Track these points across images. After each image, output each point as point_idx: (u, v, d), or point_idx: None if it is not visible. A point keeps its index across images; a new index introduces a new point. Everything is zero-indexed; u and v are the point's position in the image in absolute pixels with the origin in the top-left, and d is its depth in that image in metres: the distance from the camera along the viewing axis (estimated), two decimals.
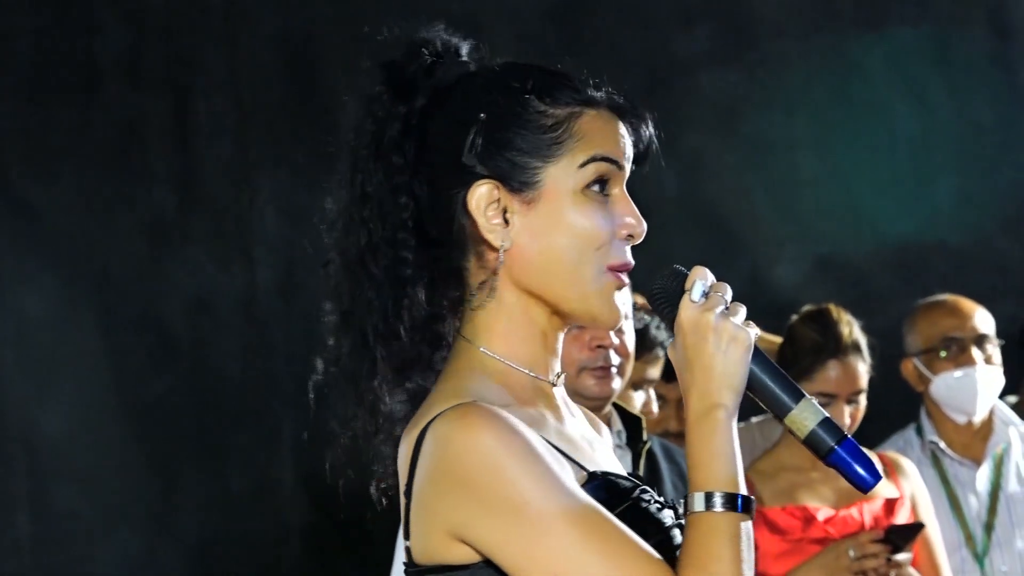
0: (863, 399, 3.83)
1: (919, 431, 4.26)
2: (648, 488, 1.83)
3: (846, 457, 1.76)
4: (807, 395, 1.78)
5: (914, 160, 5.77)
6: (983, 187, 5.75)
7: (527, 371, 1.84)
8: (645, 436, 3.43)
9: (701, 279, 1.78)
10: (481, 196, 1.81)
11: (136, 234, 5.04)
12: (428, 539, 1.74)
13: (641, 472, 3.34)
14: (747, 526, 1.71)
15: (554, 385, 1.87)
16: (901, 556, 3.67)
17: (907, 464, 3.91)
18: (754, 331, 1.77)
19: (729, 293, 1.79)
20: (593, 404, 3.11)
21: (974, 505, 4.16)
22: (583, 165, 1.81)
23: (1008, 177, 5.80)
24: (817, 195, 5.72)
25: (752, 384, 1.77)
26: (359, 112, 1.87)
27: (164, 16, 5.13)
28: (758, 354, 1.77)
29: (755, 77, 5.73)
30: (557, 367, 1.88)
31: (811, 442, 1.77)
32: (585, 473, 1.77)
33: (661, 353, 3.63)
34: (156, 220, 5.07)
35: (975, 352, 4.12)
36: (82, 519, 4.88)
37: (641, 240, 1.84)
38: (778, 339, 3.97)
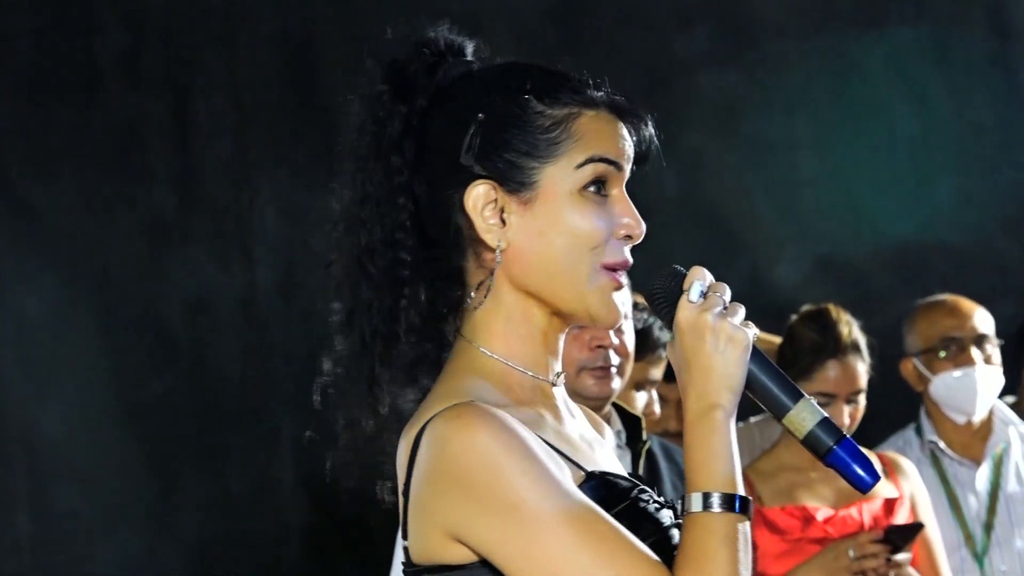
0: (862, 399, 3.83)
1: (918, 431, 4.26)
2: (647, 488, 1.83)
3: (845, 457, 1.76)
4: (806, 395, 1.78)
5: (914, 160, 5.77)
6: (983, 187, 5.75)
7: (526, 371, 1.84)
8: (645, 436, 3.43)
9: (699, 279, 1.78)
10: (478, 196, 1.81)
11: (136, 234, 5.04)
12: (425, 539, 1.74)
13: (641, 472, 3.34)
14: (744, 527, 1.71)
15: (554, 385, 1.87)
16: (900, 556, 3.67)
17: (906, 464, 3.91)
18: (752, 331, 1.77)
19: (728, 293, 1.79)
20: (593, 404, 3.11)
21: (973, 505, 4.16)
22: (580, 166, 1.81)
23: (1008, 177, 5.80)
24: (817, 195, 5.72)
25: (751, 384, 1.77)
26: (362, 112, 1.87)
27: (164, 16, 5.13)
28: (757, 354, 1.77)
29: (755, 77, 5.73)
30: (557, 367, 1.88)
31: (810, 442, 1.77)
32: (583, 473, 1.77)
33: (664, 354, 3.63)
34: (156, 220, 5.07)
35: (974, 352, 4.12)
36: (82, 519, 4.88)
37: (640, 241, 1.84)
38: (778, 339, 3.97)
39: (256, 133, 5.19)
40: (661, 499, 1.83)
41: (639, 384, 3.66)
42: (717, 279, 1.81)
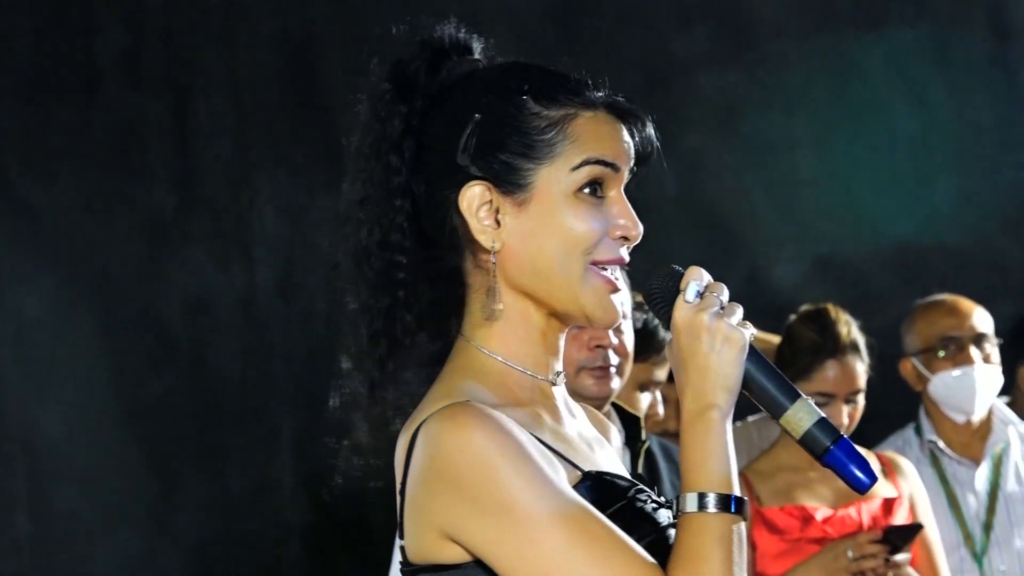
0: (861, 399, 3.83)
1: (918, 431, 4.27)
2: (646, 488, 1.83)
3: (841, 457, 1.76)
4: (803, 395, 1.78)
5: (913, 160, 5.77)
6: (982, 187, 5.75)
7: (525, 370, 1.85)
8: (644, 435, 3.43)
9: (696, 279, 1.78)
10: (473, 197, 1.81)
11: (135, 234, 5.04)
12: (421, 538, 1.75)
13: (640, 471, 3.35)
14: (739, 527, 1.71)
15: (554, 384, 1.87)
16: (899, 556, 3.67)
17: (905, 464, 3.91)
18: (749, 331, 1.77)
19: (725, 293, 1.79)
20: (592, 404, 3.10)
21: (973, 504, 4.17)
22: (576, 168, 1.81)
23: (1008, 177, 5.80)
24: (816, 195, 5.72)
25: (748, 384, 1.77)
26: (365, 111, 1.87)
27: (163, 16, 5.13)
28: (754, 354, 1.77)
29: (755, 77, 5.73)
30: (557, 366, 1.88)
31: (806, 442, 1.77)
32: (579, 473, 1.78)
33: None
34: (155, 220, 5.07)
35: (973, 351, 4.13)
36: (82, 519, 4.88)
37: (638, 242, 1.84)
38: (777, 339, 3.97)
39: (256, 133, 5.19)
40: (661, 499, 1.83)
41: (643, 385, 3.66)
42: (716, 279, 1.80)
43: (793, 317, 3.94)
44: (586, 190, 1.81)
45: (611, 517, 1.73)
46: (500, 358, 1.84)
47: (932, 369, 4.16)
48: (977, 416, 4.19)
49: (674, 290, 1.79)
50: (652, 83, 5.49)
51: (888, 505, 3.78)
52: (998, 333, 4.23)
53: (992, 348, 4.17)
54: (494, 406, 1.75)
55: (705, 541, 1.69)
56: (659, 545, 1.74)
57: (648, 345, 3.48)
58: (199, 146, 5.14)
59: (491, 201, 1.81)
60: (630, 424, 3.42)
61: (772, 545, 3.74)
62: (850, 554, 3.63)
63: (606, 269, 1.82)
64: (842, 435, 1.76)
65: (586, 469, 1.79)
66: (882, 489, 3.80)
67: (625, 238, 1.83)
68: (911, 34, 5.81)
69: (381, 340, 1.85)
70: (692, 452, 1.74)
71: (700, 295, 1.78)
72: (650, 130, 1.87)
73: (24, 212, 4.92)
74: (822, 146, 5.76)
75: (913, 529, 3.71)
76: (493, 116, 1.81)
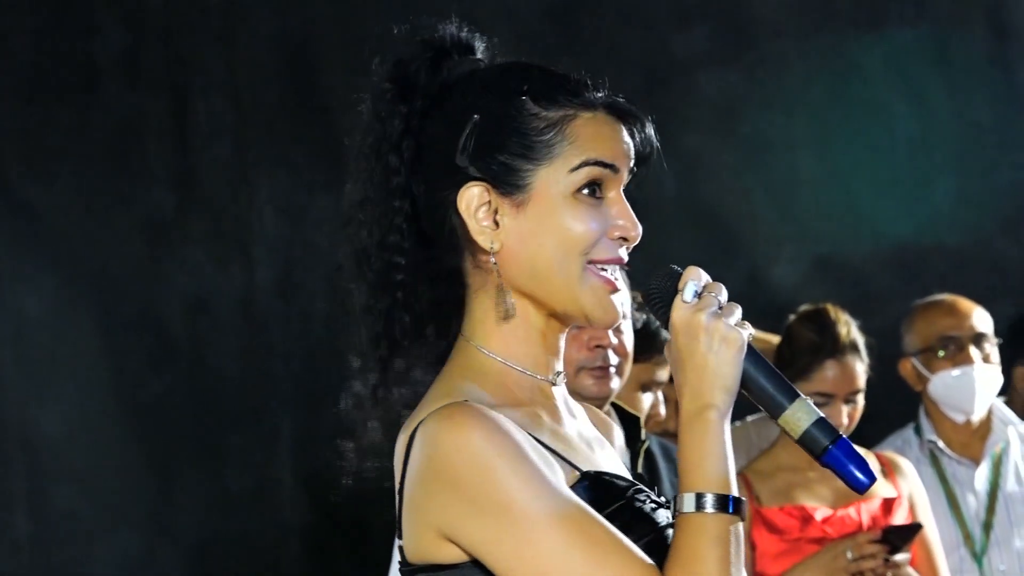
0: (861, 399, 3.83)
1: (918, 431, 4.27)
2: (645, 488, 1.83)
3: (840, 457, 1.75)
4: (801, 395, 1.78)
5: (913, 160, 5.77)
6: (982, 187, 5.75)
7: (525, 370, 1.84)
8: (643, 435, 3.43)
9: (694, 279, 1.78)
10: (471, 198, 1.81)
11: (135, 234, 5.04)
12: (419, 538, 1.75)
13: (639, 471, 3.34)
14: (737, 528, 1.71)
15: (554, 384, 1.87)
16: (899, 556, 3.67)
17: (905, 464, 3.91)
18: (747, 331, 1.77)
19: (723, 293, 1.78)
20: (591, 404, 3.11)
21: (972, 504, 4.17)
22: (575, 169, 1.80)
23: (1007, 177, 5.80)
24: (816, 195, 5.72)
25: (746, 384, 1.77)
26: (367, 111, 1.87)
27: (163, 16, 5.13)
28: (752, 354, 1.77)
29: (754, 77, 5.73)
30: (558, 366, 1.87)
31: (805, 442, 1.77)
32: (578, 473, 1.77)
33: None
34: (155, 220, 5.07)
35: (973, 351, 4.12)
36: (81, 519, 4.88)
37: (637, 243, 1.84)
38: (776, 339, 3.97)
39: (255, 133, 5.20)
40: (661, 499, 1.83)
41: (645, 385, 3.66)
42: (716, 279, 1.80)
43: (792, 317, 3.94)
44: (585, 191, 1.81)
45: (609, 517, 1.72)
46: (500, 358, 1.83)
47: (932, 369, 4.16)
48: (977, 416, 4.19)
49: (672, 290, 1.79)
50: (652, 83, 5.49)
51: (888, 505, 3.78)
52: (996, 333, 4.23)
53: (992, 348, 4.17)
54: (492, 406, 1.75)
55: (702, 541, 1.69)
56: (657, 545, 1.74)
57: (650, 345, 3.48)
58: (198, 146, 5.14)
59: (489, 202, 1.81)
60: (629, 424, 3.41)
61: (772, 545, 3.74)
62: (849, 554, 3.63)
63: (605, 269, 1.81)
64: (841, 435, 1.76)
65: (584, 469, 1.79)
66: (882, 489, 3.80)
67: (624, 239, 1.82)
68: (911, 34, 5.81)
69: (382, 341, 1.85)
70: (690, 452, 1.74)
71: (698, 295, 1.77)
72: (650, 130, 1.86)
73: (23, 212, 4.92)
74: (822, 146, 5.76)
75: (912, 529, 3.70)
76: (492, 117, 1.81)
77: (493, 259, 1.81)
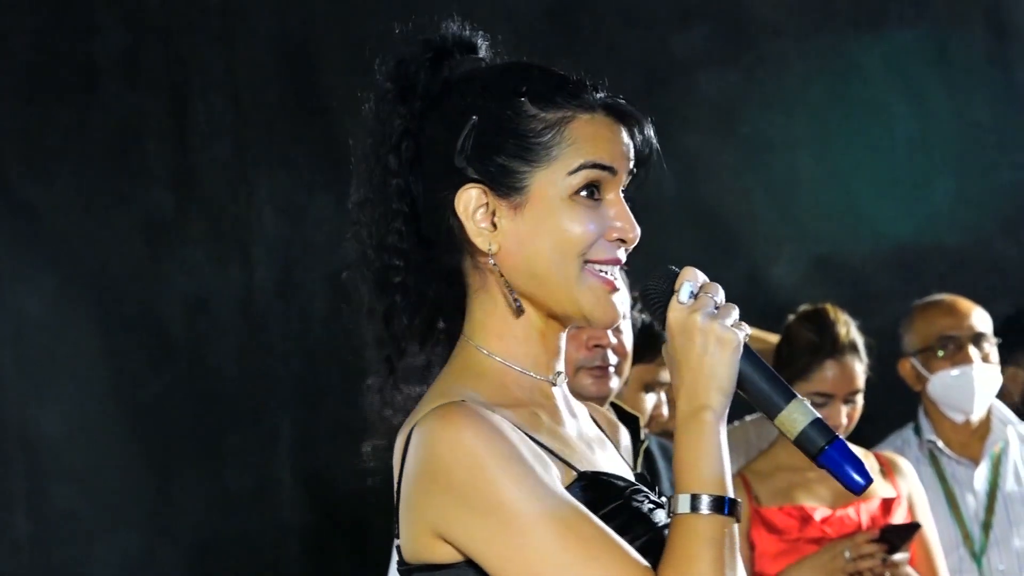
0: (860, 399, 3.83)
1: (917, 430, 4.27)
2: (644, 488, 1.83)
3: (836, 458, 1.75)
4: (798, 395, 1.78)
5: (912, 160, 5.77)
6: (981, 187, 5.75)
7: (524, 370, 1.84)
8: (643, 435, 3.43)
9: (690, 280, 1.78)
10: (469, 199, 1.81)
11: (134, 234, 5.04)
12: (414, 538, 1.75)
13: (639, 471, 3.34)
14: (732, 529, 1.71)
15: (554, 384, 1.87)
16: (898, 556, 3.66)
17: (904, 464, 3.91)
18: (744, 332, 1.76)
19: (720, 294, 1.78)
20: (590, 404, 3.11)
21: (972, 504, 4.17)
22: (573, 172, 1.80)
23: (1006, 177, 5.80)
24: (815, 195, 5.72)
25: (743, 384, 1.77)
26: (369, 111, 1.87)
27: (162, 16, 5.14)
28: (749, 354, 1.77)
29: (754, 77, 5.73)
30: (558, 366, 1.87)
31: (801, 442, 1.77)
32: (574, 473, 1.77)
33: None
34: (154, 220, 5.08)
35: (972, 351, 4.13)
36: (80, 519, 4.88)
37: (635, 245, 1.84)
38: (776, 338, 3.97)
39: (254, 133, 5.20)
40: (661, 499, 1.83)
41: (648, 385, 3.66)
42: (715, 279, 1.80)
43: (792, 317, 3.94)
44: (583, 193, 1.80)
45: (605, 517, 1.72)
46: (499, 358, 1.84)
47: (931, 369, 4.16)
48: (976, 416, 4.19)
49: (669, 291, 1.79)
50: (651, 83, 5.49)
51: (887, 505, 3.78)
52: (996, 333, 4.23)
53: (991, 347, 4.17)
54: (490, 406, 1.75)
55: (696, 542, 1.69)
56: (654, 545, 1.74)
57: (653, 346, 3.48)
58: (198, 146, 5.14)
59: (487, 204, 1.81)
60: (629, 424, 3.41)
61: (771, 545, 3.74)
62: (847, 554, 3.63)
63: (604, 270, 1.81)
64: (837, 436, 1.76)
65: (582, 469, 1.79)
66: (881, 489, 3.80)
67: (622, 240, 1.82)
68: (910, 34, 5.81)
69: (384, 343, 1.86)
70: (685, 453, 1.73)
71: (694, 296, 1.77)
72: (649, 132, 1.86)
73: (23, 212, 4.92)
74: (822, 146, 5.76)
75: (911, 529, 3.70)
76: (490, 118, 1.81)
77: (492, 260, 1.81)
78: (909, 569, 3.69)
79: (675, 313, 1.77)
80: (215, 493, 5.07)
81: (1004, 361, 4.36)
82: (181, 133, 5.12)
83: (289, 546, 5.15)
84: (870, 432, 4.11)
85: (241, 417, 5.12)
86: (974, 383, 4.13)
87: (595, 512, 1.72)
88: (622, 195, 1.83)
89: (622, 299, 2.99)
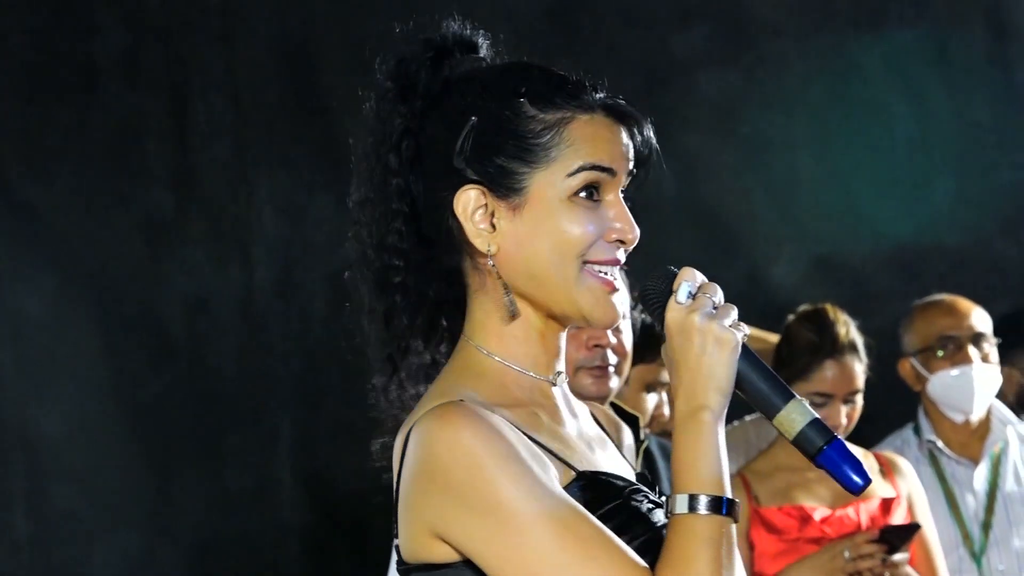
0: (860, 399, 3.83)
1: (917, 430, 4.27)
2: (643, 488, 1.83)
3: (834, 458, 1.75)
4: (797, 396, 1.78)
5: (912, 160, 5.77)
6: (981, 187, 5.75)
7: (524, 370, 1.84)
8: (643, 435, 3.43)
9: (688, 280, 1.78)
10: (468, 200, 1.81)
11: (134, 234, 5.04)
12: (413, 538, 1.75)
13: (641, 471, 3.34)
14: (730, 529, 1.71)
15: (554, 384, 1.87)
16: (898, 556, 3.66)
17: (904, 464, 3.91)
18: (742, 332, 1.76)
19: (719, 294, 1.78)
20: (590, 403, 3.11)
21: (971, 504, 4.17)
22: (572, 173, 1.79)
23: (1006, 177, 5.80)
24: (815, 195, 5.72)
25: (742, 385, 1.77)
26: (371, 111, 1.87)
27: (162, 16, 5.14)
28: (748, 354, 1.77)
29: (753, 77, 5.73)
30: (558, 366, 1.87)
31: (800, 442, 1.76)
32: (573, 473, 1.77)
33: None
34: (154, 220, 5.07)
35: (972, 351, 4.13)
36: (80, 519, 4.88)
37: (634, 246, 1.83)
38: (775, 338, 3.97)
39: (254, 133, 5.20)
40: (661, 499, 1.83)
41: (649, 385, 3.67)
42: (715, 279, 1.80)
43: (791, 317, 3.94)
44: (582, 194, 1.80)
45: (604, 517, 1.72)
46: (499, 358, 1.84)
47: (931, 369, 4.16)
48: (976, 416, 4.19)
49: (667, 291, 1.79)
50: (651, 83, 5.49)
51: (886, 505, 3.78)
52: (995, 334, 4.23)
53: (991, 347, 4.17)
54: (489, 406, 1.75)
55: (694, 543, 1.69)
56: (653, 545, 1.74)
57: (654, 346, 3.47)
58: (198, 146, 5.14)
59: (486, 205, 1.81)
60: (628, 424, 3.41)
61: (770, 545, 3.74)
62: (847, 554, 3.63)
63: (603, 271, 1.81)
64: (836, 436, 1.76)
65: (581, 469, 1.79)
66: (880, 489, 3.80)
67: (621, 241, 1.82)
68: (910, 34, 5.81)
69: (386, 342, 1.86)
70: (684, 453, 1.73)
71: (692, 296, 1.77)
72: (649, 132, 1.85)
73: (22, 212, 4.92)
74: (822, 146, 5.76)
75: (910, 529, 3.70)
76: (489, 119, 1.81)
77: (491, 261, 1.81)
78: (909, 569, 3.69)
79: (673, 313, 1.76)
80: (215, 493, 5.07)
81: (1000, 361, 4.36)
82: (181, 133, 5.12)
83: (289, 546, 5.15)
84: (870, 432, 4.11)
85: (241, 417, 5.12)
86: (974, 383, 4.13)
87: (594, 512, 1.72)
88: (621, 196, 1.83)
89: (622, 299, 2.99)
